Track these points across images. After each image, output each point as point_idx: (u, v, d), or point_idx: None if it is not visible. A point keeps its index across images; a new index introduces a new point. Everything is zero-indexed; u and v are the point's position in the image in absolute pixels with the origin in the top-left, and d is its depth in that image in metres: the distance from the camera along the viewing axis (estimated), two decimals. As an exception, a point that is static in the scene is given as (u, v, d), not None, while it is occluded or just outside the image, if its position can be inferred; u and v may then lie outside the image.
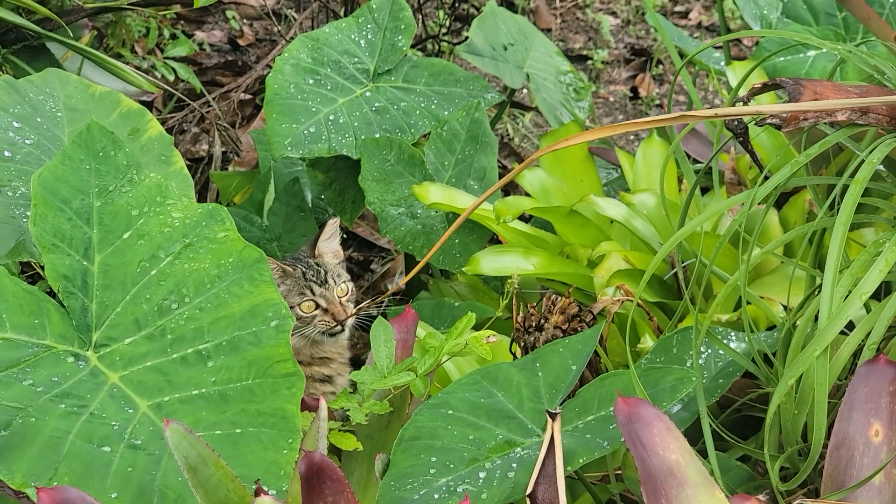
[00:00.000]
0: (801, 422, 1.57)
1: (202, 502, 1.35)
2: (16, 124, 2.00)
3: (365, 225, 3.01)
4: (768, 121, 1.56)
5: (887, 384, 1.46)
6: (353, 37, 2.59)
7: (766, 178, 1.77)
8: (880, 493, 1.43)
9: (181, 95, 3.35)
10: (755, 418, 1.71)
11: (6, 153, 1.97)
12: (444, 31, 3.95)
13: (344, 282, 2.16)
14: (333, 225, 2.18)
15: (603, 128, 2.04)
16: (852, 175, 1.62)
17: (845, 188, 1.64)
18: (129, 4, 3.38)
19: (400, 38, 2.58)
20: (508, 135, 3.64)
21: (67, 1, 3.13)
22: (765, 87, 1.65)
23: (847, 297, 1.56)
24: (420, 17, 3.88)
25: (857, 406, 1.46)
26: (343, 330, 2.12)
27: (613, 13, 4.46)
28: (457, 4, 4.15)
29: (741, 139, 1.87)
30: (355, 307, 2.16)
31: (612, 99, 4.03)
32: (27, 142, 2.00)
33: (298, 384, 1.56)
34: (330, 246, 2.12)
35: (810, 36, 2.17)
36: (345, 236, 2.94)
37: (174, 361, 1.59)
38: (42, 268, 1.70)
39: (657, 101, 4.08)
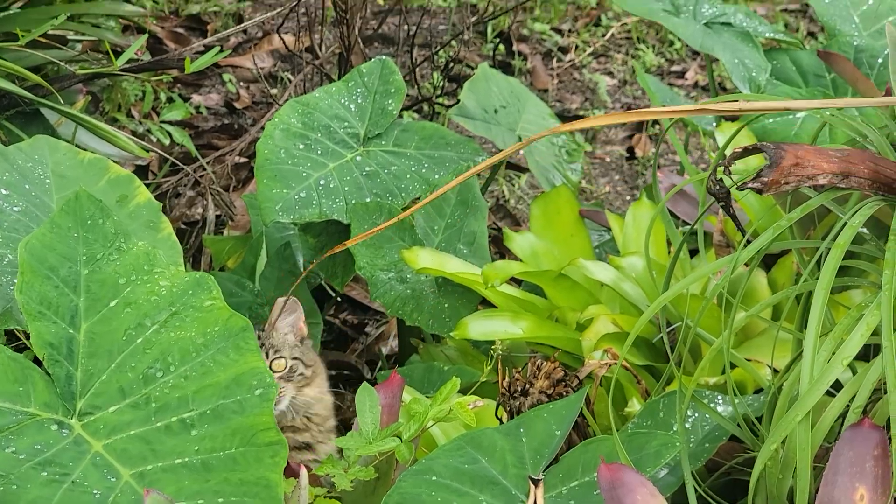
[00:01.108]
0: (787, 486, 1.58)
1: None
2: (4, 191, 2.01)
3: (359, 288, 3.02)
4: (750, 185, 1.57)
5: (872, 448, 1.46)
6: (343, 101, 2.60)
7: (749, 241, 1.78)
8: None
9: (175, 160, 3.36)
10: (743, 482, 1.71)
11: None
12: (438, 92, 3.97)
13: (281, 357, 2.12)
14: (280, 303, 2.16)
15: (608, 116, 2.10)
16: (834, 238, 1.63)
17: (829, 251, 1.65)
18: (123, 70, 3.40)
19: (390, 101, 2.58)
20: (504, 196, 3.64)
21: (63, 66, 3.15)
22: (746, 152, 1.65)
23: (830, 360, 1.57)
24: (415, 78, 3.90)
25: (842, 470, 1.47)
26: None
27: (610, 73, 4.48)
28: (451, 66, 4.17)
29: (723, 203, 1.87)
30: (305, 380, 2.16)
31: (608, 159, 4.05)
32: (15, 209, 2.01)
33: (282, 452, 1.55)
34: (287, 320, 2.11)
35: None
36: (339, 300, 2.94)
37: (158, 430, 1.59)
38: (28, 336, 1.71)
39: (655, 163, 4.12)
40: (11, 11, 3.02)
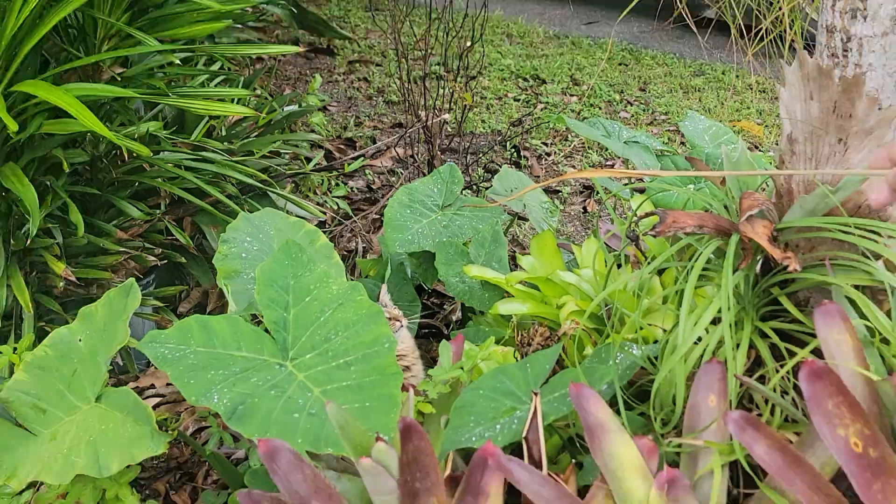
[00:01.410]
0: (671, 394, 1.56)
1: (347, 445, 1.35)
2: (248, 238, 2.04)
3: (440, 285, 3.02)
4: (649, 233, 1.56)
5: (717, 375, 1.45)
6: (430, 187, 2.63)
7: (650, 261, 1.77)
8: (714, 434, 1.42)
9: (340, 219, 3.39)
10: (647, 392, 1.69)
11: (243, 255, 2.01)
12: (480, 180, 3.98)
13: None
14: (384, 287, 2.21)
15: (579, 172, 2.06)
16: (695, 260, 1.62)
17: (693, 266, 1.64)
18: (312, 170, 3.42)
19: (455, 186, 2.59)
20: (516, 234, 3.64)
21: (278, 168, 3.20)
22: (647, 214, 1.65)
23: (694, 325, 1.56)
24: (468, 172, 3.91)
25: (701, 386, 1.45)
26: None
27: (573, 166, 4.45)
28: (487, 165, 4.18)
29: (635, 242, 1.87)
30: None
31: (572, 213, 4.03)
32: (255, 248, 2.03)
33: (399, 378, 1.57)
34: (385, 297, 2.11)
35: (675, 181, 2.16)
36: (430, 291, 2.94)
37: (332, 367, 1.60)
38: (261, 318, 1.72)
39: (599, 216, 4.07)
40: (250, 139, 3.05)
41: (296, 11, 4.51)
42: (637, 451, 1.32)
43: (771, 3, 1.68)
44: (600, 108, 4.49)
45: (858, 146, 1.59)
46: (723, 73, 4.26)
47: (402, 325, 2.11)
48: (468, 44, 3.84)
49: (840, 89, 1.55)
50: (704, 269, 1.69)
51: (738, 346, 1.59)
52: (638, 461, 1.32)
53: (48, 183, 2.16)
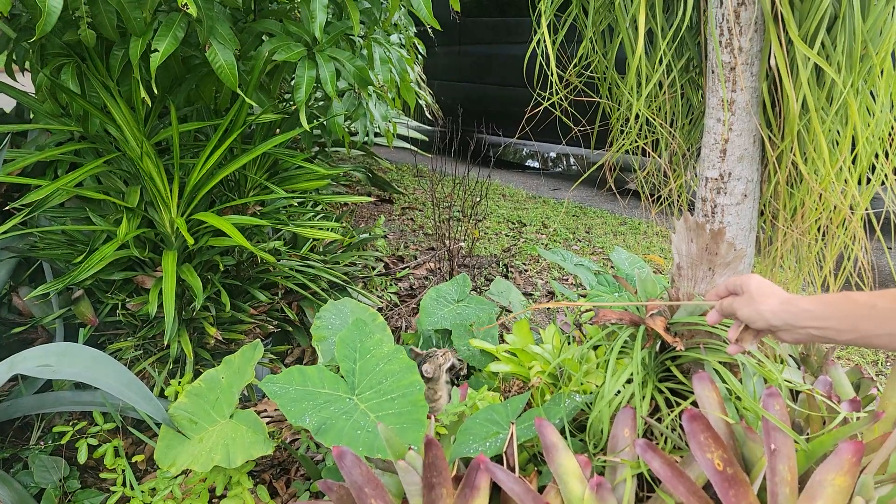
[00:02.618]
0: (600, 427, 1.54)
1: (390, 452, 1.35)
2: (332, 317, 2.03)
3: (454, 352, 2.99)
4: (588, 323, 1.57)
5: (630, 416, 1.43)
6: (450, 287, 2.59)
7: (588, 341, 1.76)
8: (627, 454, 1.40)
9: (392, 306, 3.37)
10: (584, 425, 1.67)
11: (329, 327, 1.98)
12: (483, 285, 3.99)
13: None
14: (438, 353, 2.10)
15: (539, 305, 2.01)
16: (615, 340, 1.62)
17: (615, 345, 1.63)
18: (376, 275, 3.45)
19: (466, 288, 2.55)
20: (505, 321, 3.64)
21: (352, 273, 3.22)
22: (588, 310, 1.66)
23: (615, 381, 1.55)
24: (475, 279, 3.92)
25: (619, 423, 1.43)
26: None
27: (541, 279, 4.45)
28: (488, 276, 4.20)
29: (579, 328, 1.86)
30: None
31: (540, 308, 4.04)
32: (336, 322, 2.01)
33: (425, 409, 1.53)
34: (438, 362, 2.04)
35: (605, 295, 2.13)
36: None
37: (383, 400, 1.57)
38: (338, 368, 1.72)
39: (557, 311, 4.03)
40: (337, 254, 3.08)
41: (370, 175, 4.62)
42: (577, 464, 1.31)
43: (667, 180, 1.73)
44: (560, 243, 4.51)
45: (721, 272, 1.62)
46: (638, 224, 4.29)
47: (451, 359, 2.07)
48: (477, 199, 3.93)
49: (709, 237, 1.59)
50: (623, 347, 1.69)
51: (643, 397, 1.58)
52: (577, 471, 1.31)
53: (209, 276, 2.20)
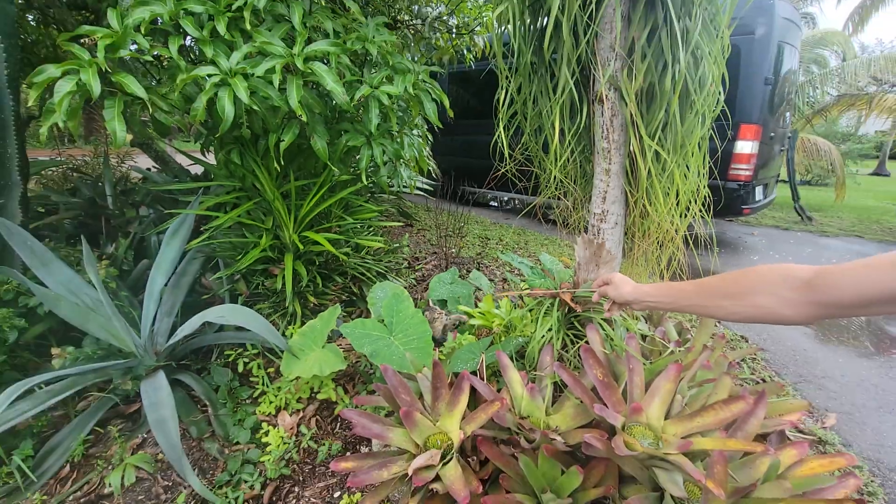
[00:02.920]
0: (533, 356, 1.50)
1: (412, 369, 1.34)
2: (379, 292, 1.86)
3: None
4: (528, 294, 1.54)
5: (549, 350, 1.39)
6: (446, 275, 2.49)
7: (527, 308, 1.73)
8: (548, 370, 1.38)
9: (412, 285, 3.19)
10: (524, 354, 1.61)
11: (377, 297, 1.82)
12: (465, 274, 3.87)
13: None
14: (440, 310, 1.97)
15: (505, 292, 1.92)
16: (544, 308, 1.61)
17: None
18: (403, 269, 3.28)
19: (455, 276, 2.44)
20: (478, 294, 3.57)
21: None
22: (527, 289, 1.63)
23: (542, 330, 1.52)
24: (461, 271, 3.78)
25: (544, 353, 1.40)
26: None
27: (500, 271, 4.35)
28: (468, 268, 4.09)
29: (521, 299, 1.81)
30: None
31: (499, 287, 3.95)
32: (381, 295, 1.83)
33: (432, 345, 1.47)
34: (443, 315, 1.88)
35: (536, 280, 2.06)
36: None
37: (407, 339, 1.51)
38: (383, 321, 1.64)
39: (510, 288, 3.88)
40: (380, 256, 2.83)
41: (400, 210, 4.58)
42: (520, 376, 1.31)
43: (573, 214, 1.74)
44: (511, 250, 4.46)
45: (602, 269, 1.62)
46: (557, 240, 4.27)
47: (445, 319, 1.99)
48: (461, 224, 3.89)
49: (596, 247, 1.60)
50: (546, 310, 1.70)
51: (558, 339, 1.58)
52: (520, 380, 1.30)
53: (309, 268, 2.19)
